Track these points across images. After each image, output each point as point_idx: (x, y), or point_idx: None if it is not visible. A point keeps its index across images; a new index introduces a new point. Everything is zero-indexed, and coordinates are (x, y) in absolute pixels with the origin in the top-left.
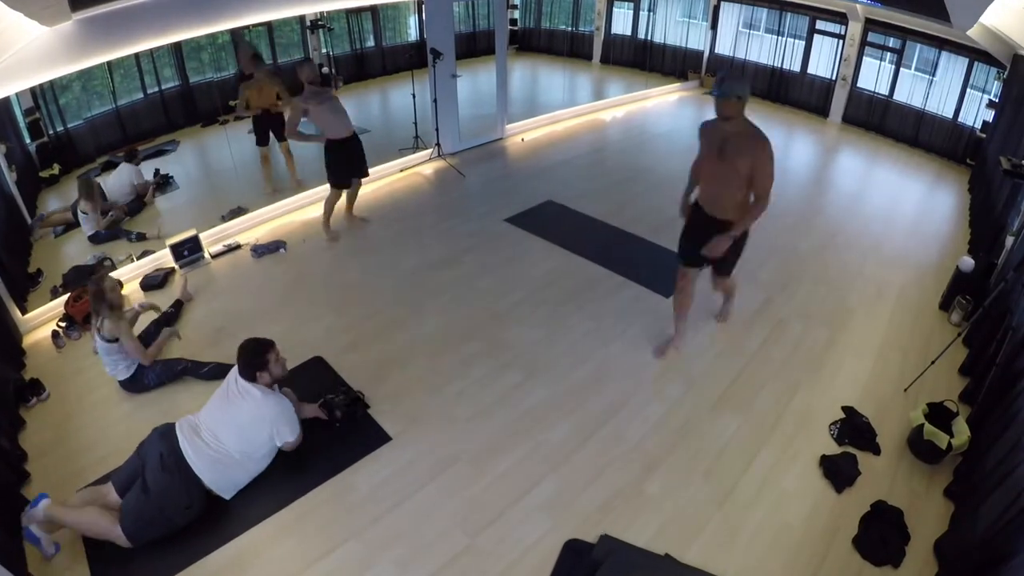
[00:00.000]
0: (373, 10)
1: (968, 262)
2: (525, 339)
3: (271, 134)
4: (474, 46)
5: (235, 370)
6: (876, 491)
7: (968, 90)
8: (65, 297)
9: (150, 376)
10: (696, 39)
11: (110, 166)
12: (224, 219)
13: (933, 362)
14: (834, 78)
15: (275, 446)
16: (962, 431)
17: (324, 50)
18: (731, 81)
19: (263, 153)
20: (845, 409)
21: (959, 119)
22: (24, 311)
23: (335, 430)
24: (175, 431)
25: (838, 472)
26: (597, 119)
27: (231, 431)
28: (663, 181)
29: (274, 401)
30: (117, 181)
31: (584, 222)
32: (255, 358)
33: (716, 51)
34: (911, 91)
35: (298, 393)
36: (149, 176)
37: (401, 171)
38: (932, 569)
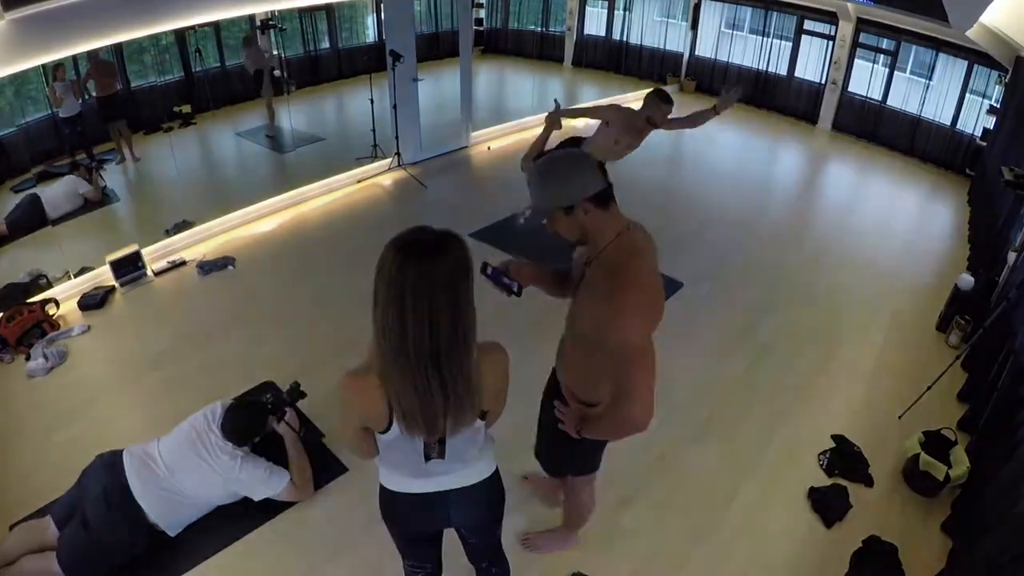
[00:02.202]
0: (328, 9)
1: (967, 280)
2: None
3: None
4: (437, 48)
5: (214, 417)
6: (869, 526)
7: (967, 95)
8: None
9: None
10: (675, 40)
11: (47, 176)
12: (168, 233)
13: (930, 387)
14: (823, 82)
15: (241, 495)
16: (961, 461)
17: (276, 52)
18: (536, 187)
19: None
20: (835, 438)
21: (958, 126)
22: None
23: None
24: (122, 460)
25: (828, 505)
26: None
27: (195, 481)
28: (640, 193)
29: (247, 464)
30: (61, 192)
31: (555, 238)
32: (255, 425)
33: (697, 53)
34: (906, 96)
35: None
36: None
37: (358, 182)
38: None
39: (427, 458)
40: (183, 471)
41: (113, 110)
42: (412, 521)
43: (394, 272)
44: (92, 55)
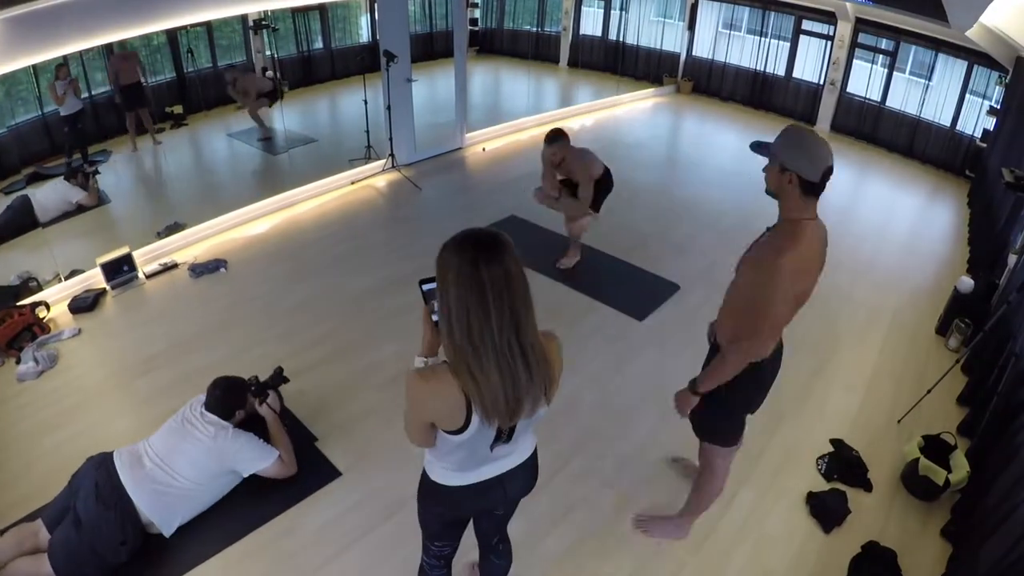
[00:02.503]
0: (321, 9)
1: (967, 283)
2: None
3: None
4: (431, 48)
5: (198, 402)
6: (867, 531)
7: (967, 96)
8: None
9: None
10: (672, 40)
11: (37, 178)
12: (160, 236)
13: (929, 391)
14: (822, 83)
15: (233, 480)
16: (960, 466)
17: (268, 52)
18: (785, 138)
19: None
20: (834, 442)
21: (957, 127)
22: None
23: None
24: (113, 460)
25: (826, 511)
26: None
27: (186, 463)
28: (636, 195)
29: (235, 435)
30: (53, 198)
31: (550, 239)
32: (237, 396)
33: (694, 54)
34: (905, 97)
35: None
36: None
37: (352, 183)
38: None
39: (494, 446)
40: (174, 455)
41: (137, 98)
42: (464, 507)
43: (469, 271)
44: (111, 49)
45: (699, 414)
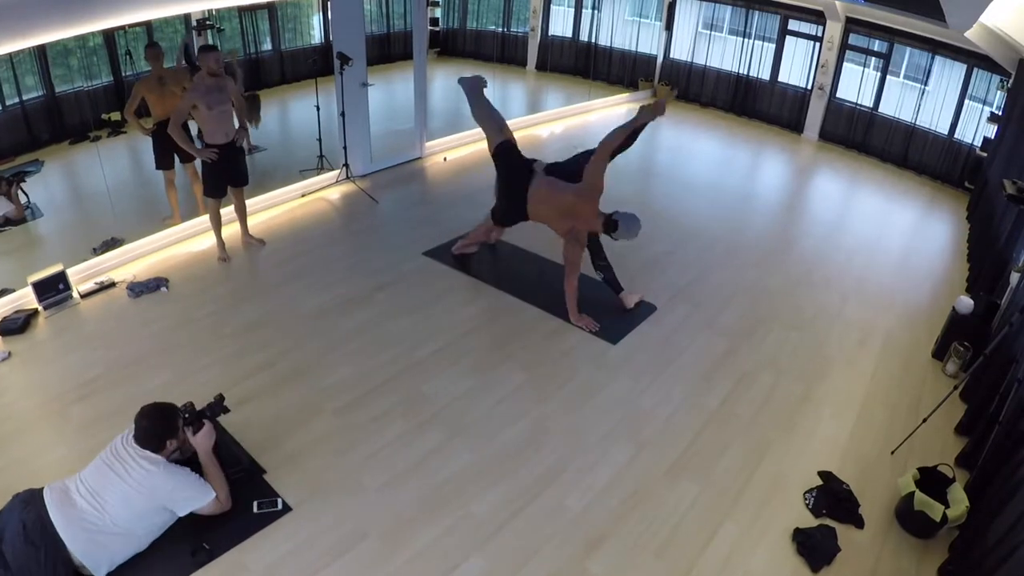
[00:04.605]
0: (270, 8)
1: (966, 303)
2: (447, 393)
3: (176, 154)
4: (388, 50)
5: (127, 436)
6: (859, 570)
7: (966, 101)
8: None
9: None
10: (648, 42)
11: None
12: (96, 252)
13: (925, 420)
14: (809, 87)
15: (168, 519)
16: (959, 501)
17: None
18: None
19: (168, 177)
20: (822, 475)
21: (956, 135)
22: None
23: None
24: (42, 497)
25: (814, 548)
26: (532, 135)
27: (117, 500)
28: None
29: (171, 471)
30: None
31: (516, 255)
32: (166, 425)
33: (671, 56)
34: (900, 103)
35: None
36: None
37: (303, 196)
38: None
39: None
40: (105, 492)
41: None
42: None
43: None
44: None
45: None
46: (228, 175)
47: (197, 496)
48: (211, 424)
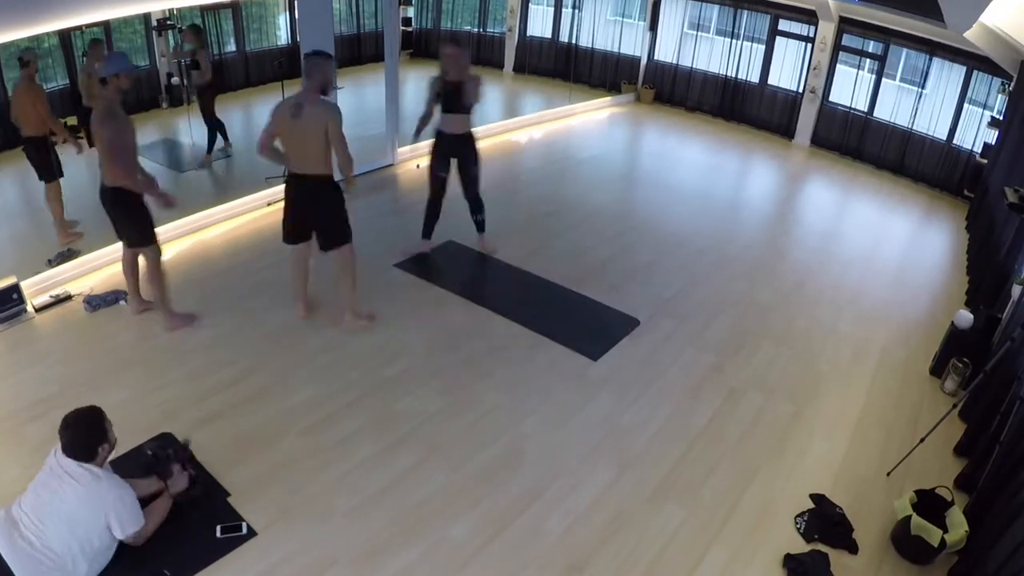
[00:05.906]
0: (234, 7)
1: (966, 317)
2: (420, 412)
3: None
4: (359, 51)
5: (59, 449)
6: None
7: (966, 105)
8: None
9: None
10: (631, 43)
11: None
12: (51, 264)
13: (923, 440)
14: (801, 91)
15: (114, 540)
16: (958, 524)
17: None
18: None
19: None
20: (814, 498)
21: (954, 141)
22: None
23: (182, 519)
24: None
25: (806, 575)
26: (510, 141)
27: (58, 524)
28: (589, 217)
29: (114, 483)
30: None
31: (492, 267)
32: (93, 430)
33: (656, 58)
34: (896, 107)
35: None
36: None
37: (268, 205)
38: None
39: None
40: (47, 514)
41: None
42: None
43: None
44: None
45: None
46: None
47: (132, 520)
48: (182, 469)
